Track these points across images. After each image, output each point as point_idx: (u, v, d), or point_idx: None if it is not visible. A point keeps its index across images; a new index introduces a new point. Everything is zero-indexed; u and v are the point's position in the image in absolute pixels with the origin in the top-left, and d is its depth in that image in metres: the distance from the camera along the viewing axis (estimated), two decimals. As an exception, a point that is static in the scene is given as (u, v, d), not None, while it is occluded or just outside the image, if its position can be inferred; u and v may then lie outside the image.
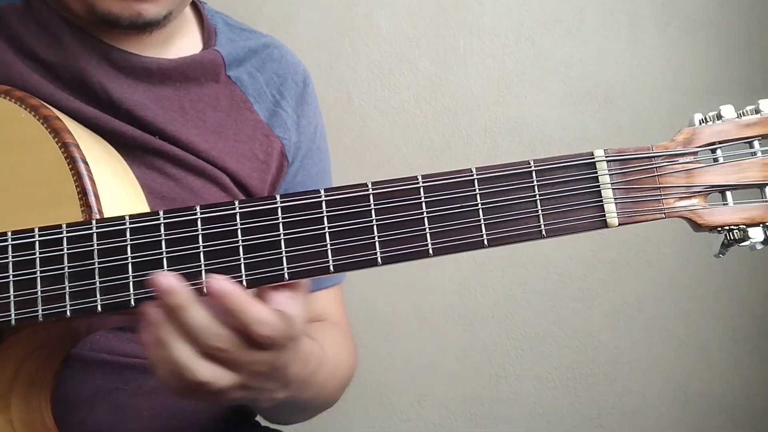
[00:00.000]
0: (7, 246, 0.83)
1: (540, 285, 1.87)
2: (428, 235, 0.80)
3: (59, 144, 0.88)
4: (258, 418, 1.25)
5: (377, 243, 0.80)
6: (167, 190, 1.05)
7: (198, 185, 1.08)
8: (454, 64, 1.85)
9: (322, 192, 0.81)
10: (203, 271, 0.80)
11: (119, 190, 0.93)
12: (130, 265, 0.81)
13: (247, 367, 0.79)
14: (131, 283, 0.80)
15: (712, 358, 1.86)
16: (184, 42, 1.16)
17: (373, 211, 0.80)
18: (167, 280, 0.76)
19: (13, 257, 0.83)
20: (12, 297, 0.82)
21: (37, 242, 0.82)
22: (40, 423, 0.92)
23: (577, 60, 1.85)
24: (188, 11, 1.19)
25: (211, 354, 0.77)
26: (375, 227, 0.80)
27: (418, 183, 0.81)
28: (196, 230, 0.81)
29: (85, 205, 0.86)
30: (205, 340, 0.76)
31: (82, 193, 0.86)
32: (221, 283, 0.76)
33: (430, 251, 0.80)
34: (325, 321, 1.23)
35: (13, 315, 0.82)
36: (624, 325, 1.87)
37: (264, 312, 0.77)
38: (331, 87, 1.84)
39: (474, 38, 1.85)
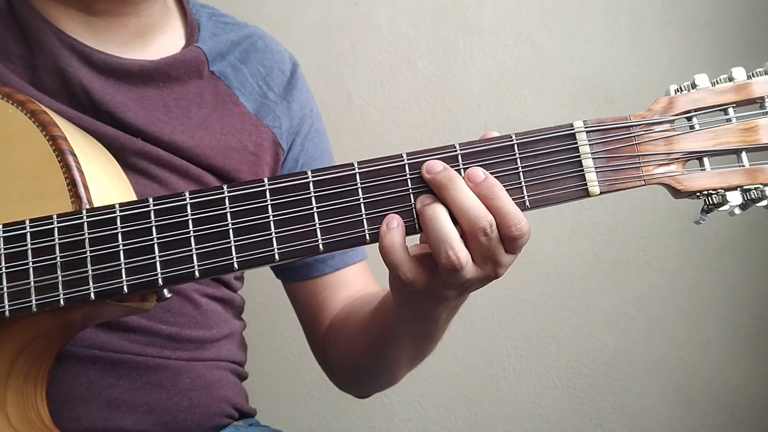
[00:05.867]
0: (-2, 238, 0.84)
1: (540, 285, 1.86)
2: (415, 211, 0.82)
3: (47, 137, 0.89)
4: (257, 417, 1.25)
5: (365, 221, 0.82)
6: (150, 192, 1.05)
7: (182, 186, 1.09)
8: (454, 64, 1.85)
9: (309, 173, 0.82)
10: (194, 256, 0.81)
11: (108, 183, 0.94)
12: (121, 252, 0.82)
13: (490, 265, 0.83)
14: (123, 270, 0.82)
15: (712, 358, 1.86)
16: (165, 38, 1.17)
17: (360, 190, 0.82)
18: (438, 162, 0.83)
19: (4, 249, 0.83)
20: (5, 288, 0.83)
21: (28, 233, 0.83)
22: (36, 418, 0.93)
23: (577, 60, 1.85)
24: (172, 5, 1.19)
25: (471, 239, 0.81)
26: (362, 205, 0.82)
27: (403, 161, 0.83)
28: (186, 215, 0.82)
29: (75, 196, 0.87)
30: (473, 217, 0.80)
31: (72, 185, 0.87)
32: (479, 169, 0.82)
33: (418, 227, 0.82)
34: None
35: (6, 306, 0.83)
36: (624, 325, 1.86)
37: (517, 208, 0.82)
38: (331, 87, 1.84)
39: (474, 38, 1.85)
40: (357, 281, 1.25)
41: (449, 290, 0.85)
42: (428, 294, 0.86)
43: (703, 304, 1.86)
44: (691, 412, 1.86)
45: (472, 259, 0.82)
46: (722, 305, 1.86)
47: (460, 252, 0.80)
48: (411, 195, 0.82)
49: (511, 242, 0.82)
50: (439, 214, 0.81)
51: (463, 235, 0.82)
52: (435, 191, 0.82)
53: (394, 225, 0.82)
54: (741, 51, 1.83)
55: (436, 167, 0.82)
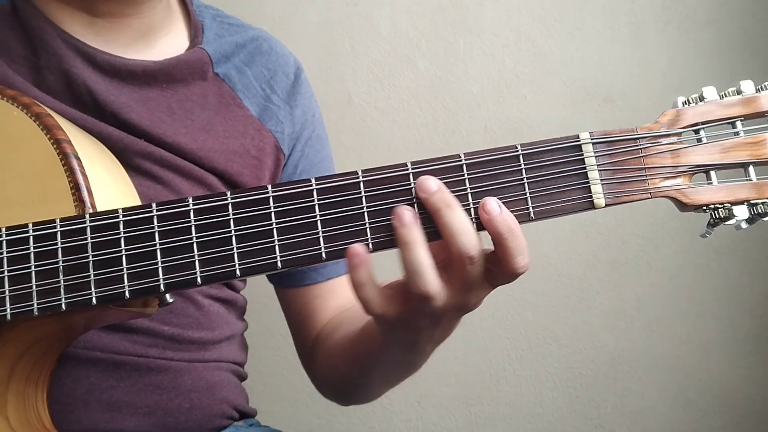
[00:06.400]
0: (1, 242, 0.83)
1: (540, 285, 1.86)
2: (418, 221, 0.81)
3: (51, 140, 0.89)
4: (257, 417, 1.25)
5: (368, 229, 0.81)
6: (154, 193, 1.05)
7: (185, 187, 1.09)
8: (454, 64, 1.85)
9: (313, 180, 0.82)
10: (197, 262, 0.81)
11: (111, 186, 0.93)
12: (124, 258, 0.82)
13: (466, 294, 0.82)
14: (125, 275, 0.81)
15: (712, 358, 1.86)
16: (169, 39, 1.16)
17: (363, 198, 0.81)
18: (431, 181, 0.81)
19: (7, 253, 0.83)
20: (7, 292, 0.83)
21: (31, 237, 0.83)
22: (36, 421, 0.92)
23: (577, 60, 1.85)
24: (175, 7, 1.19)
25: (456, 265, 0.80)
26: (366, 214, 0.81)
27: (407, 170, 0.82)
28: (189, 221, 0.82)
29: (78, 200, 0.86)
30: (462, 245, 0.79)
31: (75, 189, 0.87)
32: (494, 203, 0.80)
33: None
34: None
35: (8, 309, 0.83)
36: (624, 325, 1.86)
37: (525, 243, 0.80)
38: (331, 87, 1.84)
39: (474, 38, 1.85)
40: (348, 291, 1.25)
41: (421, 318, 0.84)
42: (403, 323, 0.84)
43: (703, 304, 1.86)
44: (691, 412, 1.86)
45: (451, 284, 0.81)
46: (722, 305, 1.86)
47: (431, 284, 0.79)
48: (415, 205, 0.82)
49: (506, 276, 0.81)
50: (414, 242, 0.79)
51: (449, 259, 0.80)
52: (429, 212, 0.81)
53: (356, 262, 0.80)
54: (741, 51, 1.83)
55: (430, 187, 0.80)
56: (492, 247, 0.82)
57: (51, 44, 1.06)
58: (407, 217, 0.80)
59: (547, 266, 1.86)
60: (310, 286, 1.25)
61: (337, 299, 1.25)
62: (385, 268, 0.84)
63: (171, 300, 0.87)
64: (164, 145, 1.08)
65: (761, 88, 0.84)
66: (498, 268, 0.81)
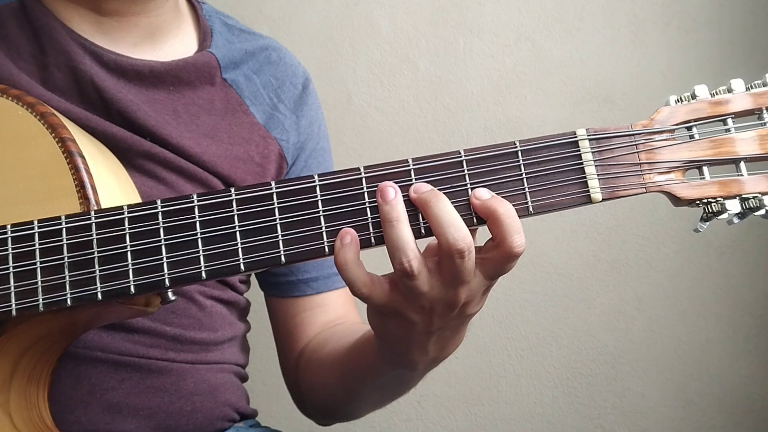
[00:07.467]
0: (6, 238, 0.84)
1: (540, 285, 1.86)
2: (420, 215, 0.82)
3: (56, 139, 0.90)
4: (258, 418, 1.24)
5: (371, 224, 0.82)
6: (157, 194, 1.05)
7: (188, 189, 1.09)
8: (454, 64, 1.85)
9: (316, 177, 0.83)
10: (201, 257, 0.82)
11: (115, 186, 0.94)
12: (129, 253, 0.82)
13: (456, 289, 0.82)
14: (131, 271, 0.82)
15: (712, 358, 1.86)
16: (177, 41, 1.16)
17: (365, 194, 0.83)
18: (424, 184, 0.82)
19: (13, 249, 0.84)
20: (12, 288, 0.83)
21: (36, 234, 0.84)
22: (38, 419, 0.93)
23: (577, 60, 1.85)
24: (185, 10, 1.19)
25: (445, 258, 0.80)
26: (368, 209, 0.82)
27: (408, 166, 0.83)
28: (193, 217, 0.82)
29: (83, 198, 0.87)
30: (452, 237, 0.79)
31: (80, 186, 0.88)
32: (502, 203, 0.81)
33: (422, 231, 0.82)
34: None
35: (14, 305, 0.83)
36: (624, 325, 1.86)
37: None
38: (331, 87, 1.84)
39: (474, 38, 1.85)
40: (338, 308, 1.25)
41: (411, 309, 0.84)
42: (393, 312, 0.84)
43: (703, 304, 1.86)
44: (691, 412, 1.87)
45: (440, 277, 0.81)
46: (722, 305, 1.86)
47: (413, 259, 0.79)
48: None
49: (504, 259, 0.81)
50: (396, 220, 0.80)
51: (439, 253, 0.81)
52: (420, 208, 0.82)
53: (347, 241, 0.81)
54: (741, 51, 1.83)
55: (422, 187, 0.82)
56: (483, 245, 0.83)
57: (59, 41, 1.06)
58: (390, 194, 0.81)
59: (547, 266, 1.86)
60: (300, 298, 1.25)
61: (326, 314, 1.25)
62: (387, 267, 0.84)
63: (173, 297, 0.88)
64: (168, 146, 1.08)
65: (751, 86, 0.86)
66: (495, 252, 0.81)
